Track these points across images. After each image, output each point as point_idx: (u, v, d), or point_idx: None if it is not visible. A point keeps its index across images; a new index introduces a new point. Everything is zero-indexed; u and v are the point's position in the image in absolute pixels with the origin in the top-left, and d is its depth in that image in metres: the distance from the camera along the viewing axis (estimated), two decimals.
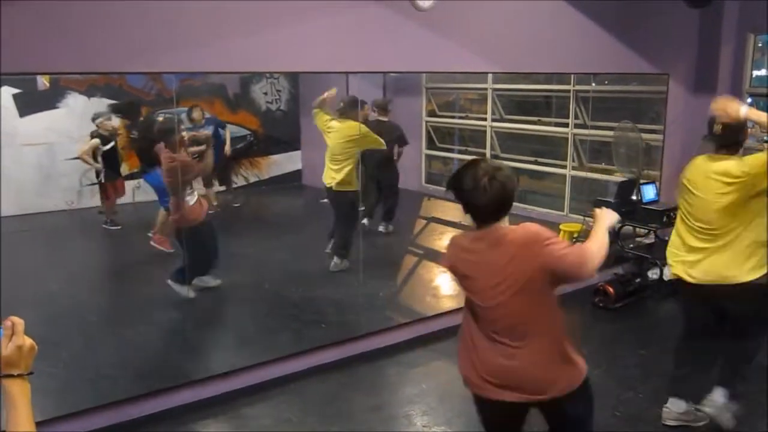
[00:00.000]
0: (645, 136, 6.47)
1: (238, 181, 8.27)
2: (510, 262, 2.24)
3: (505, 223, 2.33)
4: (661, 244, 5.10)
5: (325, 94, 5.70)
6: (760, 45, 6.23)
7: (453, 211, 7.52)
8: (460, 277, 2.42)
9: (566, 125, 7.38)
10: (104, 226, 6.72)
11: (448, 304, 5.54)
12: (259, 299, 5.31)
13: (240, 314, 5.13)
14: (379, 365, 4.36)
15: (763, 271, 3.23)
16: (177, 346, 4.59)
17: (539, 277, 2.22)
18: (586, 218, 6.41)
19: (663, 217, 5.51)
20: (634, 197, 5.89)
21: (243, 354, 4.39)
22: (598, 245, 2.29)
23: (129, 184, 7.27)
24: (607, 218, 2.45)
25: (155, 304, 5.17)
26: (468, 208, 2.29)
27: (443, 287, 6.12)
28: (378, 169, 6.55)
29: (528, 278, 2.22)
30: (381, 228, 6.79)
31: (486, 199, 2.23)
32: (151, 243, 5.92)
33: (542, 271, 2.21)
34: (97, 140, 6.42)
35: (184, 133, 6.04)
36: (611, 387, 4.02)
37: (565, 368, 2.38)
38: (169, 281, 4.91)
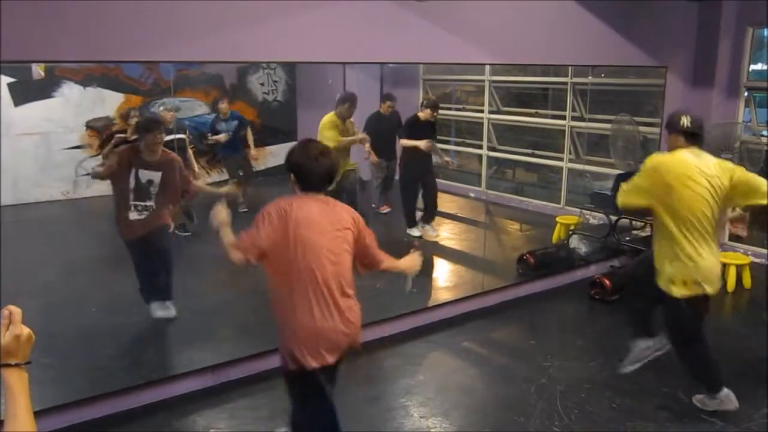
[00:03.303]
0: (642, 129, 6.47)
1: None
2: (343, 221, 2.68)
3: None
4: None
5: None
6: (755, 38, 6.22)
7: (449, 203, 7.54)
8: (291, 226, 2.56)
9: (563, 118, 7.38)
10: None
11: (445, 296, 5.55)
12: (256, 290, 5.30)
13: (237, 305, 5.12)
14: (376, 356, 4.37)
15: None
16: (173, 337, 4.58)
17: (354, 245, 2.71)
18: (583, 211, 6.43)
19: None
20: None
21: (240, 344, 4.39)
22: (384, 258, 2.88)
23: None
24: (411, 266, 2.95)
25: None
26: (311, 179, 2.65)
27: (440, 278, 6.13)
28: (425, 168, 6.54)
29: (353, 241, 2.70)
30: (430, 232, 6.71)
31: (321, 169, 2.64)
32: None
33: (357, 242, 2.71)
34: (169, 108, 6.18)
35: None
36: (608, 379, 4.04)
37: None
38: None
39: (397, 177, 6.81)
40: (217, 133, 6.95)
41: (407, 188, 6.60)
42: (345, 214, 2.71)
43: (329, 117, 5.70)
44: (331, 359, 2.65)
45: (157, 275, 4.52)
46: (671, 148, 3.41)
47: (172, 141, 5.20)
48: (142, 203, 4.32)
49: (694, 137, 3.35)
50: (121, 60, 4.50)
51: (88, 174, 7.29)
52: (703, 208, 3.25)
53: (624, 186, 3.47)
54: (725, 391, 3.55)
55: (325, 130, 5.63)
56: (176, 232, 4.97)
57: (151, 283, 4.56)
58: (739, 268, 5.67)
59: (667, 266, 3.35)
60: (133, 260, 4.50)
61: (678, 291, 3.33)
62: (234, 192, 4.87)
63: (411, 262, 2.95)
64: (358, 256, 2.77)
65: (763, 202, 3.28)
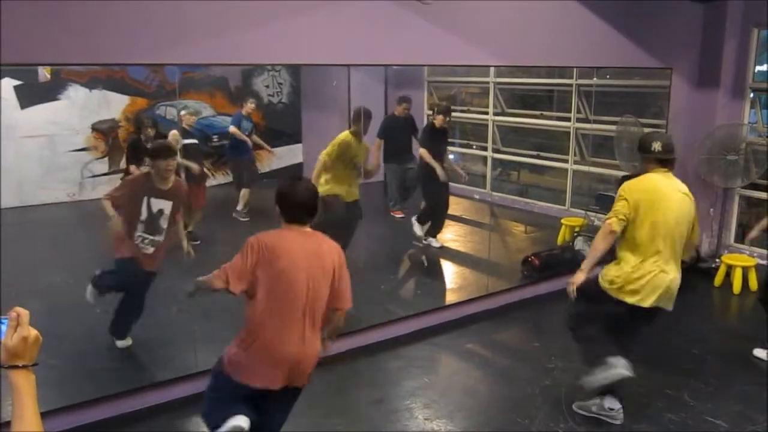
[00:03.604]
0: (647, 130, 6.46)
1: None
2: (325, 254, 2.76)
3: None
4: None
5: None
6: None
7: (454, 205, 7.52)
8: (271, 258, 2.64)
9: (568, 119, 7.37)
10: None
11: (450, 298, 5.55)
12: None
13: (240, 308, 5.12)
14: (380, 359, 4.37)
15: None
16: (178, 338, 4.59)
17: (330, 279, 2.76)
18: (588, 213, 6.42)
19: None
20: None
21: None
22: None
23: None
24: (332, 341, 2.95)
25: (157, 295, 5.17)
26: (294, 211, 2.74)
27: (445, 280, 6.13)
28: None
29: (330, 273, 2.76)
30: (434, 244, 6.58)
31: (302, 201, 2.74)
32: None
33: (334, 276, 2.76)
34: (175, 131, 5.93)
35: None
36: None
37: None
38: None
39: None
40: (239, 128, 6.93)
41: (425, 198, 6.51)
42: (327, 247, 2.78)
43: (343, 136, 5.30)
44: (274, 383, 2.69)
45: (134, 315, 4.28)
46: (644, 170, 3.53)
47: (187, 145, 5.17)
48: (150, 237, 4.09)
49: (664, 162, 3.46)
50: (126, 63, 4.50)
51: (94, 176, 7.32)
52: (667, 226, 3.37)
53: (610, 217, 3.46)
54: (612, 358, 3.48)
55: (330, 146, 5.28)
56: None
57: (127, 322, 4.29)
58: (745, 270, 5.65)
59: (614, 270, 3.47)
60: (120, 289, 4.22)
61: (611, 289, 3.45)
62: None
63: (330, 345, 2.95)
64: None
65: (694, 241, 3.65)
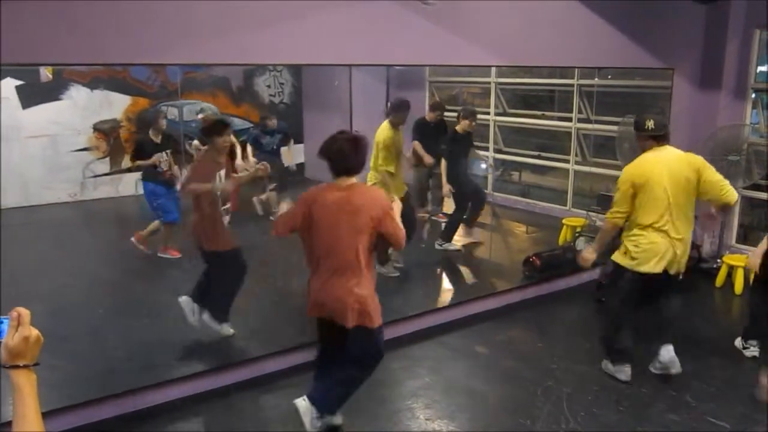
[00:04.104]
0: None
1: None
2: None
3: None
4: None
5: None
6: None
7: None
8: (311, 210, 3.08)
9: (570, 120, 7.36)
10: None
11: (452, 298, 5.55)
12: (265, 294, 5.32)
13: (245, 308, 5.13)
14: (385, 357, 4.36)
15: None
16: (180, 338, 4.59)
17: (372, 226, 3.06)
18: (589, 213, 6.42)
19: None
20: None
21: (247, 347, 4.39)
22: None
23: (132, 177, 7.28)
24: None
25: (159, 296, 5.18)
26: (332, 163, 3.09)
27: (447, 281, 6.13)
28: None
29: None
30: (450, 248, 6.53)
31: (348, 155, 3.08)
32: (132, 240, 5.83)
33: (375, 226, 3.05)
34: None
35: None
36: (615, 382, 4.03)
37: None
38: (182, 300, 4.40)
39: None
40: (259, 146, 6.88)
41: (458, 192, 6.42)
42: (365, 200, 3.05)
43: (383, 126, 5.47)
44: (330, 316, 3.17)
45: (233, 291, 4.34)
46: (641, 147, 3.94)
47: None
48: (224, 207, 4.24)
49: (658, 138, 3.86)
50: (129, 63, 4.50)
51: (96, 176, 7.33)
52: (664, 199, 3.77)
53: (612, 210, 3.96)
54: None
55: (379, 139, 5.45)
56: None
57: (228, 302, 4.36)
58: (747, 271, 5.64)
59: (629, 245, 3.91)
60: (215, 276, 4.28)
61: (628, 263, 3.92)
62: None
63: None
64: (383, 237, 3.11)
65: (727, 202, 3.86)
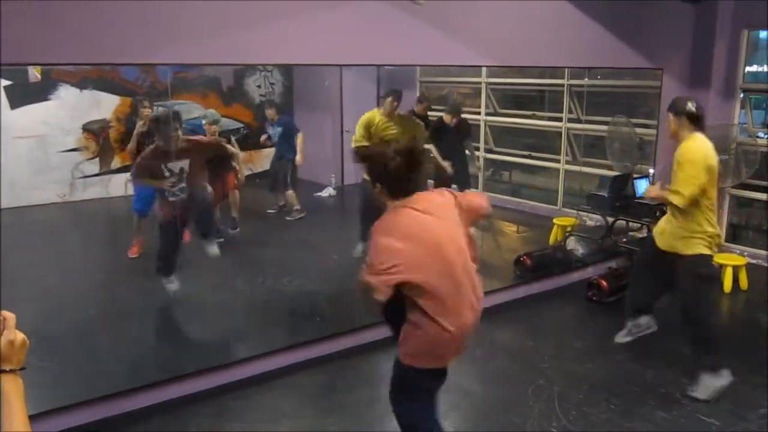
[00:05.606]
0: (639, 130, 6.49)
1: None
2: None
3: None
4: None
5: None
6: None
7: None
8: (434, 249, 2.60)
9: (560, 120, 7.39)
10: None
11: None
12: (256, 293, 5.31)
13: (236, 307, 5.12)
14: (375, 358, 4.36)
15: None
16: (171, 340, 4.58)
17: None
18: (580, 212, 6.44)
19: (656, 212, 5.53)
20: (627, 192, 5.90)
21: (239, 347, 4.38)
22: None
23: (121, 177, 7.25)
24: None
25: (148, 297, 5.15)
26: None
27: None
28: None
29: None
30: None
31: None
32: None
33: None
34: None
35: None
36: (606, 380, 4.05)
37: None
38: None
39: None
40: (267, 136, 6.93)
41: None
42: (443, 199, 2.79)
43: (366, 114, 5.40)
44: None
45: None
46: (673, 130, 3.70)
47: None
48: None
49: (698, 121, 3.63)
50: (119, 63, 4.48)
51: (85, 176, 7.28)
52: (714, 185, 3.68)
53: (681, 188, 3.58)
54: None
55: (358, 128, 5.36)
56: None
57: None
58: (736, 270, 5.68)
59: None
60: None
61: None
62: None
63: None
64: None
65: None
